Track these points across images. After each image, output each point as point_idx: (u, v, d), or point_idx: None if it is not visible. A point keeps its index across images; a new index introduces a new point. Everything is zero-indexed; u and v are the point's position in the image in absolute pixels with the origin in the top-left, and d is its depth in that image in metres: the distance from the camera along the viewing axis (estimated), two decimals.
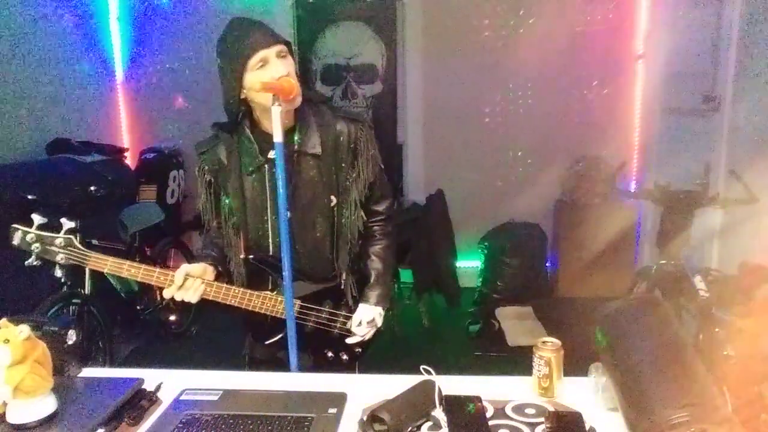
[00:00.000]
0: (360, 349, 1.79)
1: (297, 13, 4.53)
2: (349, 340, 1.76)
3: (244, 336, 1.89)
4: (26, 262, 1.57)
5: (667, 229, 2.92)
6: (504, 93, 4.44)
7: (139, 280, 1.64)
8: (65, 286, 2.90)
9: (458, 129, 4.54)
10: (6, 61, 3.54)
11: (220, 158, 1.74)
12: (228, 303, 1.69)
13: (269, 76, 1.57)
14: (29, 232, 1.58)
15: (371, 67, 4.58)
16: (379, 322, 1.78)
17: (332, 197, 1.72)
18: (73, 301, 2.90)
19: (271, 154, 1.67)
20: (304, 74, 4.47)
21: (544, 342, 1.40)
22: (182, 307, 3.92)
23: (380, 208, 1.84)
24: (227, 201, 1.75)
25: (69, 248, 1.60)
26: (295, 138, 1.68)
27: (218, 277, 1.74)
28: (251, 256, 1.75)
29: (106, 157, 3.99)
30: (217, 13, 4.44)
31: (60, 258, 1.59)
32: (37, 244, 1.58)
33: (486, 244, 4.47)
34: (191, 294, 1.65)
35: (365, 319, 1.75)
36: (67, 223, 1.58)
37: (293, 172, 1.68)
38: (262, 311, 1.71)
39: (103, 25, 4.53)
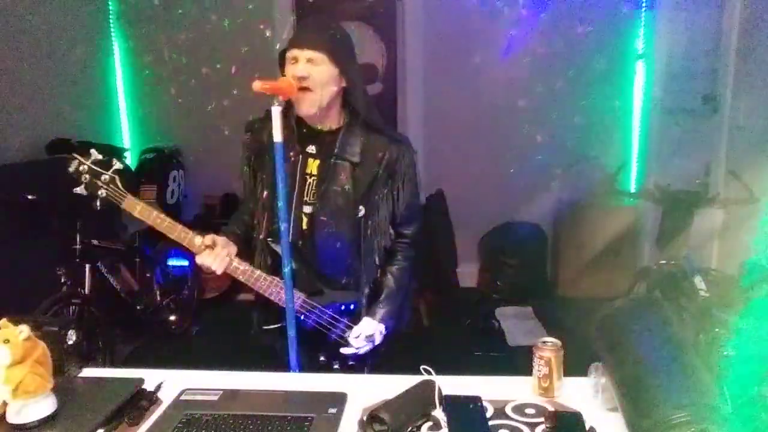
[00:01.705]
0: (353, 362, 1.77)
1: (297, 13, 4.53)
2: (343, 350, 1.75)
3: (253, 312, 1.91)
4: (74, 190, 1.71)
5: (667, 229, 2.93)
6: (504, 93, 4.43)
7: (162, 231, 1.74)
8: (65, 286, 2.90)
9: (458, 129, 4.54)
10: (6, 62, 3.54)
11: (261, 140, 1.78)
12: (237, 278, 1.73)
13: (291, 74, 1.63)
14: (84, 164, 1.72)
15: (371, 67, 4.58)
16: (378, 340, 1.76)
17: (361, 208, 1.73)
18: (73, 301, 2.89)
19: (309, 149, 1.73)
20: None
21: (544, 342, 1.40)
22: (182, 306, 3.93)
23: (407, 231, 1.84)
24: (261, 182, 1.79)
25: (111, 186, 1.71)
26: (337, 141, 1.71)
27: (238, 254, 1.77)
28: (269, 239, 1.77)
29: (106, 157, 3.98)
30: (218, 13, 4.45)
31: (101, 192, 1.71)
32: (87, 176, 1.71)
33: (486, 244, 4.47)
34: (219, 261, 1.69)
35: (365, 332, 1.74)
36: (116, 164, 1.73)
37: (328, 175, 1.72)
38: (267, 295, 1.72)
39: (104, 25, 4.53)
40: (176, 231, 1.72)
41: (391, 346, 1.82)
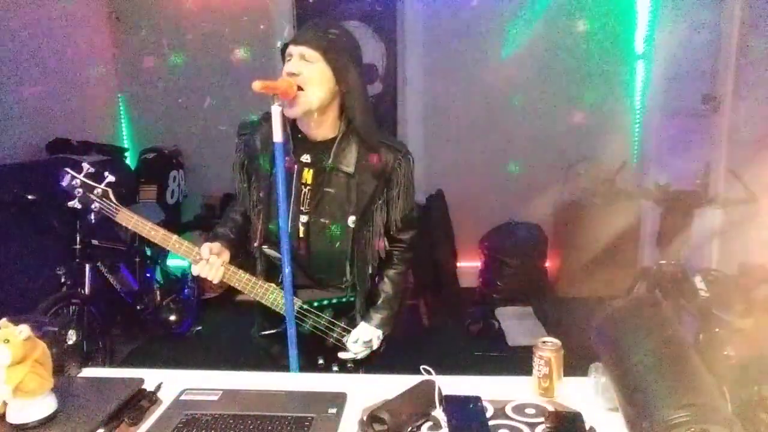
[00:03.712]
0: (352, 365, 1.77)
1: (297, 13, 4.53)
2: (342, 355, 1.75)
3: (255, 317, 1.90)
4: (68, 204, 1.71)
5: (667, 229, 2.93)
6: (504, 93, 4.44)
7: (156, 242, 1.72)
8: (65, 286, 2.90)
9: (458, 129, 4.54)
10: (6, 62, 3.54)
11: (255, 145, 1.76)
12: (233, 286, 1.73)
13: (284, 71, 1.61)
14: (76, 177, 1.72)
15: (371, 67, 4.58)
16: (376, 345, 1.76)
17: (354, 217, 1.71)
18: (73, 301, 2.89)
19: (304, 158, 1.70)
20: None
21: (544, 342, 1.40)
22: (182, 306, 3.93)
23: (404, 236, 1.83)
24: (255, 187, 1.77)
25: (104, 199, 1.72)
26: (332, 152, 1.68)
27: (231, 259, 1.77)
28: (265, 247, 1.76)
29: (106, 157, 3.99)
30: (217, 12, 4.45)
31: (95, 206, 1.72)
32: (80, 190, 1.72)
33: (486, 244, 4.47)
34: (214, 272, 1.69)
35: (363, 338, 1.74)
36: (108, 177, 1.73)
37: (322, 185, 1.70)
38: (264, 302, 1.72)
39: (104, 25, 4.53)
40: (170, 242, 1.71)
41: (390, 348, 1.82)
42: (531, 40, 4.35)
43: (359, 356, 1.75)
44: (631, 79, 4.42)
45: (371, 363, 1.79)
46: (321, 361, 1.78)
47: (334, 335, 1.77)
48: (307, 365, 1.76)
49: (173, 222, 4.28)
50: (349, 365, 1.76)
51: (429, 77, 4.54)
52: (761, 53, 3.09)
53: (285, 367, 1.70)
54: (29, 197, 3.01)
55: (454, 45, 4.45)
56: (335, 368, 1.77)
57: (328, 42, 1.63)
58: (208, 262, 1.68)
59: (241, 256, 1.81)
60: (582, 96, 4.40)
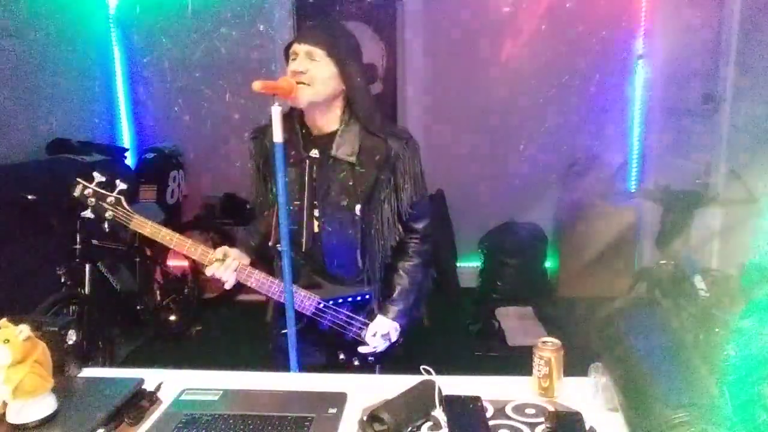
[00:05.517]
0: (372, 358, 1.78)
1: (297, 13, 4.53)
2: (361, 349, 1.76)
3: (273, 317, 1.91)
4: (82, 214, 1.72)
5: (667, 229, 2.93)
6: (504, 93, 4.43)
7: (172, 247, 1.73)
8: (65, 286, 2.90)
9: (458, 129, 4.54)
10: (6, 62, 3.54)
11: (266, 146, 1.77)
12: (251, 287, 1.74)
13: (290, 69, 1.64)
14: (88, 187, 1.72)
15: (371, 67, 4.58)
16: (394, 337, 1.77)
17: (360, 205, 1.72)
18: (73, 301, 2.90)
19: (313, 153, 1.72)
20: None
21: (544, 342, 1.40)
22: (182, 306, 3.93)
23: (417, 226, 1.82)
24: (271, 189, 1.79)
25: (117, 207, 1.73)
26: (334, 142, 1.70)
27: (252, 266, 1.78)
28: (278, 245, 1.76)
29: (106, 157, 3.99)
30: (217, 13, 4.45)
31: (108, 214, 1.73)
32: (93, 199, 1.72)
33: (486, 244, 4.47)
34: (229, 273, 1.71)
35: (380, 331, 1.75)
36: (120, 185, 1.74)
37: (327, 176, 1.71)
38: (282, 301, 1.72)
39: (103, 25, 4.53)
40: (186, 246, 1.73)
41: (409, 341, 1.83)
42: (531, 39, 4.35)
43: (379, 349, 1.76)
44: (631, 79, 4.42)
45: (391, 356, 1.80)
46: (342, 357, 1.79)
47: (354, 329, 1.77)
48: (328, 361, 1.78)
49: (173, 222, 4.28)
50: (369, 359, 1.77)
51: (429, 77, 4.54)
52: (761, 53, 3.09)
53: (305, 363, 1.70)
54: (29, 197, 3.01)
55: (454, 45, 4.44)
56: (356, 363, 1.78)
57: (333, 40, 1.67)
58: (223, 263, 1.70)
59: (263, 264, 1.82)
60: (582, 96, 4.40)
